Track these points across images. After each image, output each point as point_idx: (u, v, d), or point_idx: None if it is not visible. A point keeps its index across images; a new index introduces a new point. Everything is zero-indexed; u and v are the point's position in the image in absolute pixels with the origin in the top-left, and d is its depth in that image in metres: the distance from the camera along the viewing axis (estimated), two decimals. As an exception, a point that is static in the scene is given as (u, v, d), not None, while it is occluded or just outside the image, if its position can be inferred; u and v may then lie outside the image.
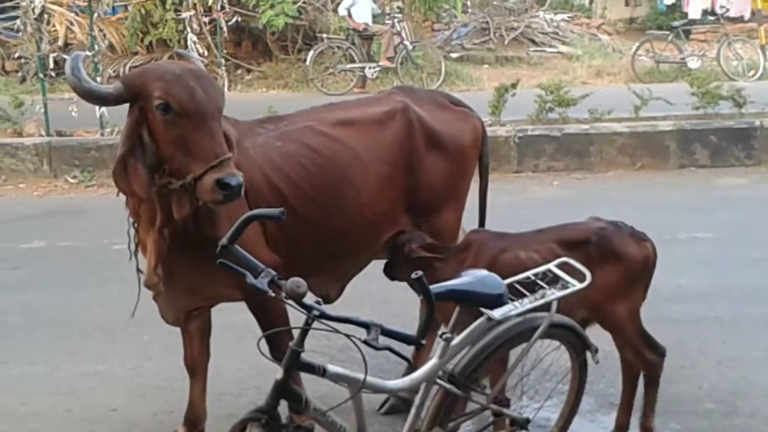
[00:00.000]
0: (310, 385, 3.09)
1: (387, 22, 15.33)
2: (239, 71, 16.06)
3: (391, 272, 3.73)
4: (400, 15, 15.65)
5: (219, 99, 3.01)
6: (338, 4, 15.47)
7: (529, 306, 2.86)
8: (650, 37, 16.17)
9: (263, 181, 3.38)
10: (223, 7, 14.45)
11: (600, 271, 3.18)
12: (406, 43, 14.95)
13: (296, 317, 2.60)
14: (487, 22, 18.15)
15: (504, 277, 2.85)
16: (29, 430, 3.98)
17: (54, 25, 12.27)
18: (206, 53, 12.45)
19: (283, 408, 2.61)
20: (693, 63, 15.22)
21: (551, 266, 3.04)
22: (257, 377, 4.25)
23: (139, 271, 3.27)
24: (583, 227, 3.51)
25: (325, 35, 15.45)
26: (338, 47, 15.17)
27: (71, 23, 13.63)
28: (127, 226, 3.27)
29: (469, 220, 4.07)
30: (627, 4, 22.64)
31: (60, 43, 13.09)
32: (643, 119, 9.94)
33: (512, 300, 2.84)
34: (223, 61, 14.83)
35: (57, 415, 4.12)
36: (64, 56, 11.03)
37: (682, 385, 4.18)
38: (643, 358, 3.48)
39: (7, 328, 5.19)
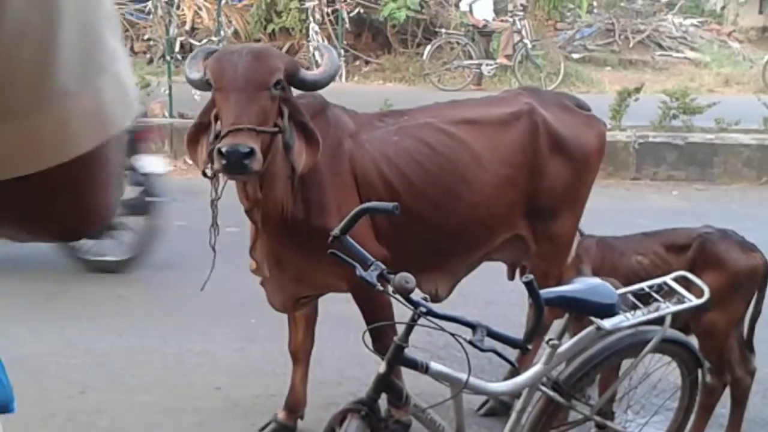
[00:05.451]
0: (408, 381, 3.08)
1: (508, 19, 15.15)
2: (357, 62, 16.18)
3: None
4: (522, 13, 15.43)
5: (254, 74, 2.91)
6: (461, -1, 15.44)
7: (642, 318, 2.77)
8: (784, 47, 15.56)
9: (376, 175, 3.37)
10: (346, -2, 14.63)
11: (702, 276, 3.09)
12: (526, 41, 14.70)
13: (401, 311, 2.59)
14: (612, 24, 17.76)
15: (622, 280, 2.80)
16: (139, 400, 4.10)
17: (183, 10, 12.67)
18: (326, 43, 12.58)
19: (382, 402, 2.61)
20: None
21: (667, 279, 2.94)
22: (357, 368, 4.26)
23: (213, 248, 3.25)
24: (688, 231, 3.51)
25: (444, 30, 15.39)
26: (457, 43, 15.08)
27: (199, 8, 14.07)
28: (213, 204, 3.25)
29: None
30: (761, 12, 21.73)
31: (187, 27, 13.51)
32: (773, 132, 9.54)
33: (624, 311, 2.76)
34: (342, 51, 14.98)
35: (164, 388, 4.24)
36: (191, 40, 11.41)
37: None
38: (731, 374, 3.40)
39: (121, 302, 5.37)
